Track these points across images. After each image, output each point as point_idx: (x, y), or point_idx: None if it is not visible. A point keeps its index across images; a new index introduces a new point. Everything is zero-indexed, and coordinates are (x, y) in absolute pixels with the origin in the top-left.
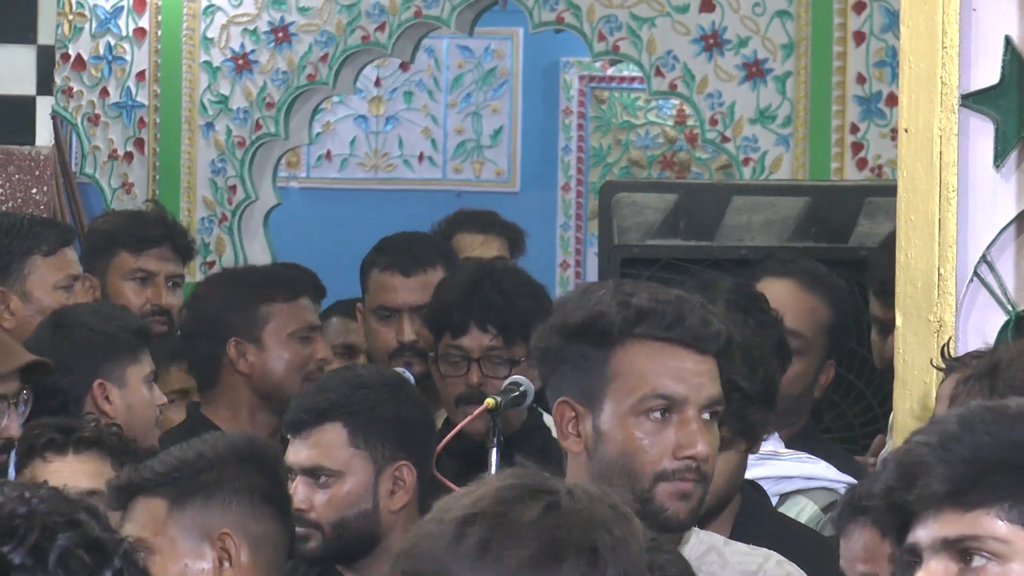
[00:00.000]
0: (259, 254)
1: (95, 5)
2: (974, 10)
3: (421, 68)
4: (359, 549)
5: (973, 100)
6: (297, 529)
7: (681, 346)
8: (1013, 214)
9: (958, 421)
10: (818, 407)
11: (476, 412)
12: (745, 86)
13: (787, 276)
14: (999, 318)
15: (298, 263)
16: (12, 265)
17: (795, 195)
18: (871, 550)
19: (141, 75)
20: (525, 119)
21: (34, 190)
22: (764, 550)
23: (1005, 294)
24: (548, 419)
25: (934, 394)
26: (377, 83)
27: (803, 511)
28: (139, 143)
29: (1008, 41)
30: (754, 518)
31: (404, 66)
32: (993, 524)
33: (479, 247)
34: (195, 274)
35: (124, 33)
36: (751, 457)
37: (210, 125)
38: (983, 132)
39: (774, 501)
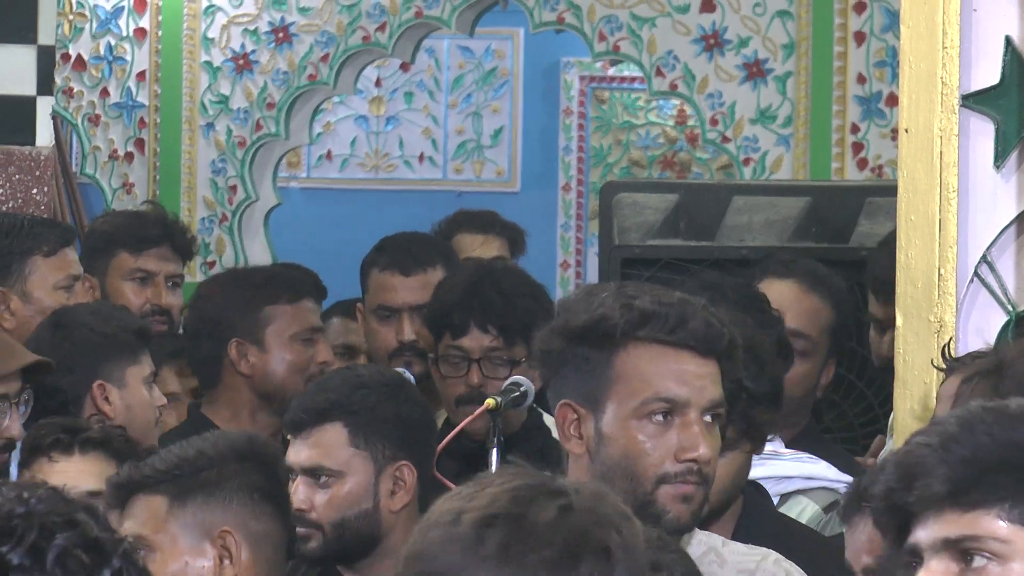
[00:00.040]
0: (259, 254)
1: (95, 5)
2: (974, 10)
3: (422, 68)
4: (360, 549)
5: (973, 100)
6: (298, 529)
7: (684, 349)
8: (1013, 214)
9: (958, 422)
10: (818, 407)
11: (476, 412)
12: (746, 86)
13: (789, 277)
14: (999, 318)
15: (299, 263)
16: (12, 265)
17: (796, 195)
18: (876, 542)
19: (141, 75)
20: (526, 119)
21: (34, 190)
22: (762, 549)
23: (1005, 294)
24: (548, 419)
25: (935, 394)
26: (378, 83)
27: (804, 511)
28: (139, 143)
29: (1008, 41)
30: (756, 519)
31: (405, 66)
32: (993, 524)
33: (479, 247)
34: (195, 274)
35: (124, 33)
36: None
37: (211, 125)
38: (983, 132)
39: (775, 501)
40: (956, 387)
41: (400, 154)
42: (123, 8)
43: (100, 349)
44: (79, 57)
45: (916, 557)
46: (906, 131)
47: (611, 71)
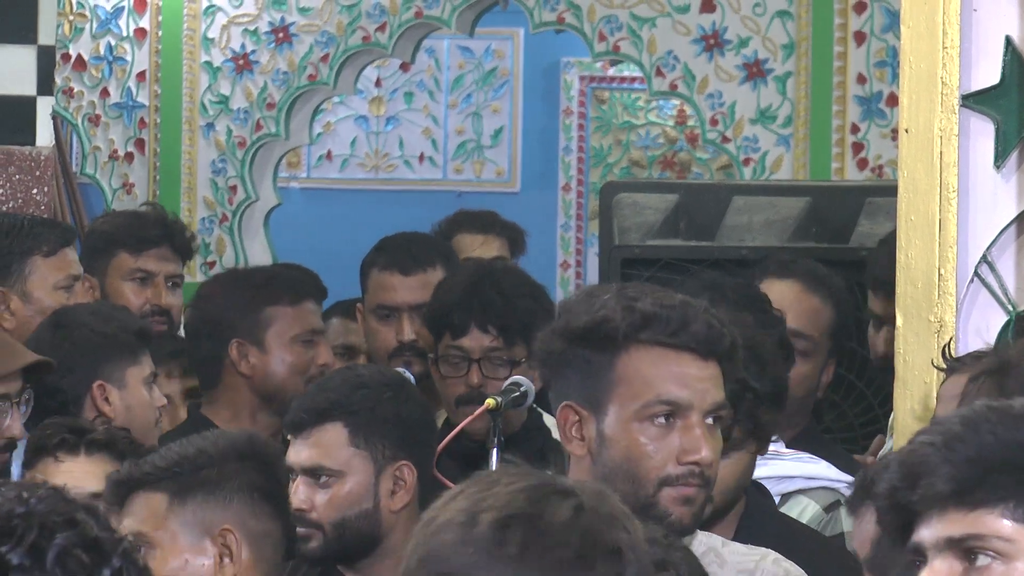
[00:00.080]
0: (260, 254)
1: (96, 5)
2: (975, 10)
3: (422, 68)
4: (360, 549)
5: (974, 100)
6: (298, 529)
7: (686, 352)
8: (1013, 214)
9: (962, 421)
10: (819, 407)
11: (476, 413)
12: (746, 86)
13: (789, 277)
14: (999, 318)
15: (299, 264)
16: (12, 265)
17: (795, 195)
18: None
19: (142, 75)
20: (526, 119)
21: (35, 190)
22: (761, 549)
23: (1006, 294)
24: (548, 419)
25: (935, 394)
26: (378, 83)
27: (805, 511)
28: (140, 143)
29: (1008, 41)
30: (758, 519)
31: (405, 66)
32: (997, 523)
33: (479, 247)
34: (195, 274)
35: (125, 33)
36: None
37: (211, 125)
38: (983, 132)
39: (776, 500)
40: (959, 387)
41: (400, 154)
42: (123, 8)
43: (100, 349)
44: (79, 57)
45: (920, 556)
46: (906, 131)
47: (611, 71)
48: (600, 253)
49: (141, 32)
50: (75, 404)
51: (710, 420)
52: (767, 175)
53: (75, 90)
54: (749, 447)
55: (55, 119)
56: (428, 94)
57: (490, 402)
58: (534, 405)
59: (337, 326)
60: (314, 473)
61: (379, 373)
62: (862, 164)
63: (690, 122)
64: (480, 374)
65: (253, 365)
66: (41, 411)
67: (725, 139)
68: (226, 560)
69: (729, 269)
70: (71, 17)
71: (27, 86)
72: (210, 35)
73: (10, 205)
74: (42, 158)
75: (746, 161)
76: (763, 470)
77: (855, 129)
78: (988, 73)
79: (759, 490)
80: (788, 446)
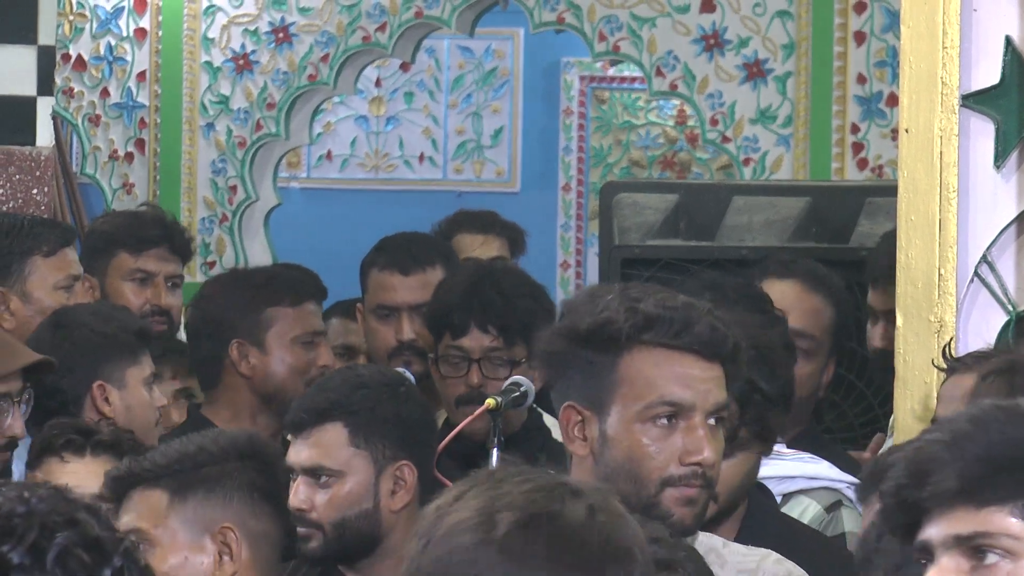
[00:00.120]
0: (260, 254)
1: (96, 5)
2: (975, 10)
3: (422, 68)
4: (360, 549)
5: (974, 100)
6: (298, 529)
7: (689, 353)
8: (1013, 214)
9: (970, 419)
10: (819, 407)
11: (477, 412)
12: (746, 86)
13: (790, 277)
14: (1000, 318)
15: (300, 264)
16: (12, 265)
17: (796, 195)
18: None
19: (142, 75)
20: (526, 119)
21: (35, 190)
22: (762, 550)
23: (1006, 294)
24: (548, 419)
25: (935, 394)
26: (378, 83)
27: (806, 511)
28: (140, 143)
29: (1008, 41)
30: (760, 519)
31: (405, 66)
32: (1006, 521)
33: (479, 247)
34: (195, 274)
35: (125, 33)
36: None
37: (211, 125)
38: (984, 132)
39: (777, 501)
40: (959, 387)
41: (400, 154)
42: (123, 8)
43: (100, 349)
44: (79, 57)
45: (926, 554)
46: (906, 131)
47: (611, 71)
48: (600, 253)
49: (141, 32)
50: (75, 404)
51: (712, 421)
52: (767, 175)
53: (75, 90)
54: (755, 448)
55: (55, 119)
56: (428, 94)
57: (490, 402)
58: (534, 405)
59: (337, 326)
60: (314, 473)
61: (379, 373)
62: (862, 164)
63: (690, 122)
64: (480, 374)
65: (253, 366)
66: (41, 411)
67: (725, 139)
68: (225, 558)
69: (729, 269)
70: (71, 17)
71: (27, 86)
72: (210, 35)
73: (10, 205)
74: (42, 158)
75: (746, 161)
76: (764, 470)
77: (855, 129)
78: (988, 73)
79: (761, 490)
80: (789, 446)
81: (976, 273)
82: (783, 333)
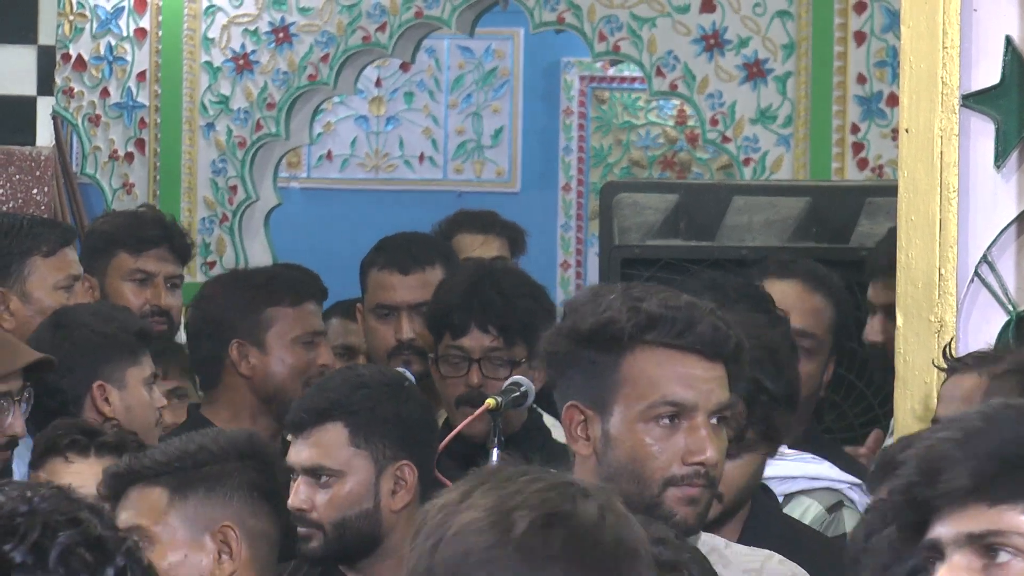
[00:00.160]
0: (260, 254)
1: (96, 5)
2: (975, 10)
3: (422, 68)
4: (361, 549)
5: (974, 100)
6: (299, 529)
7: (691, 353)
8: (1014, 214)
9: (981, 417)
10: (820, 407)
11: (477, 412)
12: (746, 86)
13: (790, 277)
14: (1000, 318)
15: (300, 264)
16: (12, 266)
17: (796, 195)
18: None
19: (142, 75)
20: (526, 119)
21: (35, 190)
22: (765, 551)
23: (1006, 294)
24: (548, 419)
25: (935, 394)
26: (378, 83)
27: (807, 511)
28: (140, 143)
29: (1009, 41)
30: (763, 520)
31: (405, 66)
32: (1018, 520)
33: (479, 247)
34: (195, 275)
35: (125, 33)
36: None
37: (211, 125)
38: (984, 132)
39: (779, 501)
40: (959, 387)
41: (400, 154)
42: (123, 8)
43: (100, 350)
44: (79, 57)
45: (935, 552)
46: (906, 131)
47: (611, 71)
48: (600, 253)
49: (141, 32)
50: (75, 404)
51: (715, 420)
52: (767, 175)
53: (75, 90)
54: (761, 449)
55: (55, 119)
56: (428, 94)
57: (490, 402)
58: (534, 405)
59: (337, 326)
60: (314, 473)
61: (380, 373)
62: (862, 164)
63: (690, 122)
64: (480, 374)
65: (253, 366)
66: (41, 411)
67: (725, 139)
68: (224, 557)
69: (729, 269)
70: (71, 17)
71: (27, 86)
72: (210, 35)
73: (10, 205)
74: (42, 158)
75: (746, 161)
76: (766, 470)
77: (855, 129)
78: (988, 73)
79: (764, 491)
80: (790, 446)
81: (976, 273)
82: (786, 333)
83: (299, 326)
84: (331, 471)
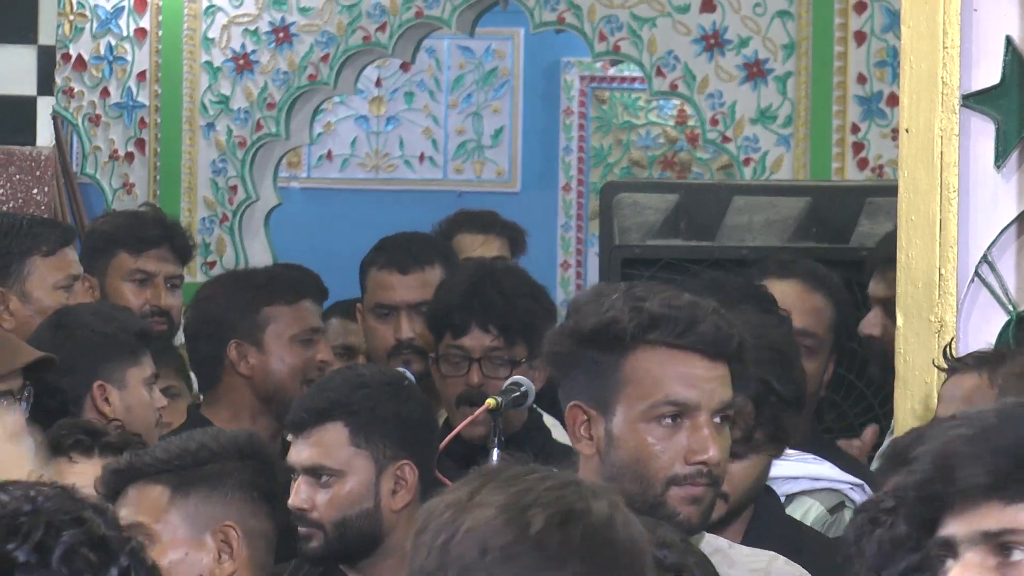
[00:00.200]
0: (260, 254)
1: (96, 5)
2: (975, 10)
3: (422, 68)
4: (361, 549)
5: (974, 100)
6: (299, 529)
7: (693, 352)
8: (1014, 214)
9: (997, 415)
10: (820, 407)
11: (477, 412)
12: (746, 86)
13: (790, 277)
14: (1000, 318)
15: (300, 264)
16: (12, 266)
17: (796, 195)
18: None
19: (142, 75)
20: (526, 119)
21: (35, 190)
22: (769, 552)
23: (1006, 294)
24: (548, 419)
25: (935, 394)
26: (378, 83)
27: (809, 512)
28: (140, 143)
29: (1009, 41)
30: (766, 521)
31: (405, 66)
32: None
33: (480, 247)
34: (195, 275)
35: (125, 33)
36: None
37: (211, 125)
38: (984, 132)
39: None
40: (960, 387)
41: (400, 154)
42: (123, 8)
43: (101, 349)
44: (79, 57)
45: (947, 549)
46: (907, 131)
47: (611, 71)
48: (600, 253)
49: (141, 32)
50: (75, 404)
51: (718, 420)
52: (767, 175)
53: (75, 90)
54: (768, 450)
55: (55, 119)
56: (428, 94)
57: (490, 402)
58: (534, 406)
59: (337, 326)
60: (315, 473)
61: (380, 373)
62: (862, 164)
63: (690, 122)
64: (480, 373)
65: (252, 365)
66: (41, 411)
67: (725, 139)
68: (225, 556)
69: (729, 269)
70: (71, 17)
71: (27, 86)
72: (210, 35)
73: (10, 205)
74: (42, 158)
75: (746, 161)
76: None
77: (855, 129)
78: (988, 73)
79: (768, 492)
80: (792, 447)
81: (976, 273)
82: (790, 333)
83: (296, 324)
84: (331, 471)
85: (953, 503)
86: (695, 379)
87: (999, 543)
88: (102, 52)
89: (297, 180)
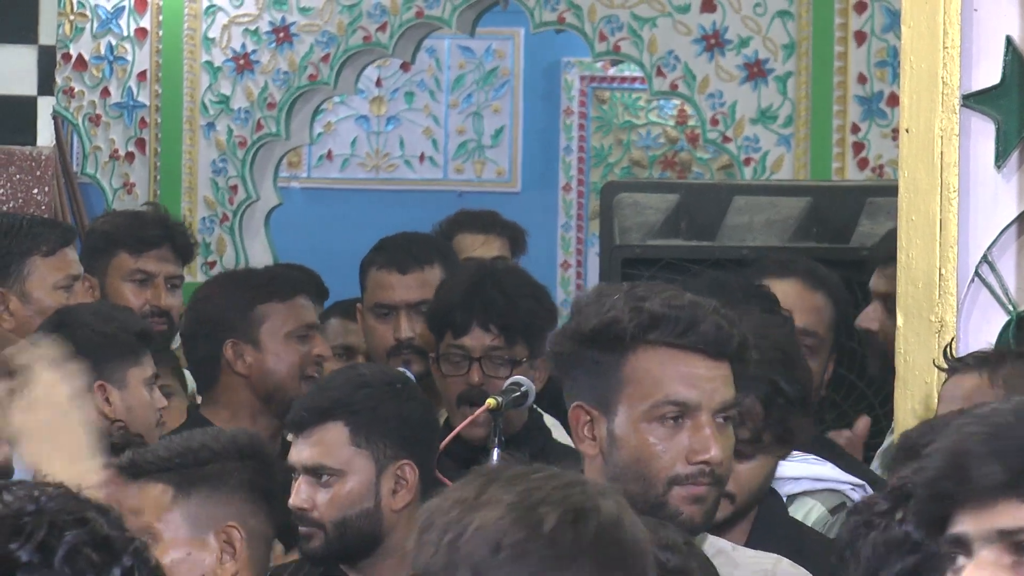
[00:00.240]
0: (260, 254)
1: (96, 5)
2: (975, 10)
3: (422, 68)
4: (362, 548)
5: (974, 100)
6: (300, 529)
7: (694, 352)
8: (1014, 214)
9: (1012, 412)
10: (820, 407)
11: (477, 412)
12: (746, 86)
13: (790, 276)
14: (1000, 318)
15: (300, 264)
16: (11, 266)
17: (796, 195)
18: None
19: (142, 75)
20: (526, 119)
21: (35, 190)
22: (773, 555)
23: (1006, 294)
24: (549, 420)
25: (935, 394)
26: (378, 83)
27: (810, 512)
28: (140, 143)
29: (1009, 41)
30: (769, 523)
31: (405, 66)
32: None
33: (480, 247)
34: (196, 275)
35: (125, 33)
36: None
37: (211, 125)
38: (984, 132)
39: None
40: (960, 387)
41: (401, 154)
42: (124, 8)
43: (101, 350)
44: (80, 57)
45: (959, 547)
46: (907, 131)
47: (611, 71)
48: (601, 253)
49: (142, 32)
50: None
51: (720, 419)
52: (768, 175)
53: (76, 90)
54: (775, 451)
55: (56, 119)
56: (429, 94)
57: (491, 402)
58: (534, 406)
59: (336, 326)
60: (315, 472)
61: (381, 372)
62: (863, 164)
63: (691, 122)
64: (481, 373)
65: (249, 364)
66: None
67: (726, 139)
68: (227, 557)
69: (730, 269)
70: (72, 17)
71: (27, 86)
72: (211, 35)
73: (10, 205)
74: (43, 158)
75: (747, 161)
76: None
77: (856, 129)
78: (989, 73)
79: (771, 493)
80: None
81: (977, 273)
82: (793, 333)
83: (291, 320)
84: (332, 470)
85: (967, 500)
86: (696, 379)
87: (1015, 541)
88: (102, 52)
89: (297, 180)
